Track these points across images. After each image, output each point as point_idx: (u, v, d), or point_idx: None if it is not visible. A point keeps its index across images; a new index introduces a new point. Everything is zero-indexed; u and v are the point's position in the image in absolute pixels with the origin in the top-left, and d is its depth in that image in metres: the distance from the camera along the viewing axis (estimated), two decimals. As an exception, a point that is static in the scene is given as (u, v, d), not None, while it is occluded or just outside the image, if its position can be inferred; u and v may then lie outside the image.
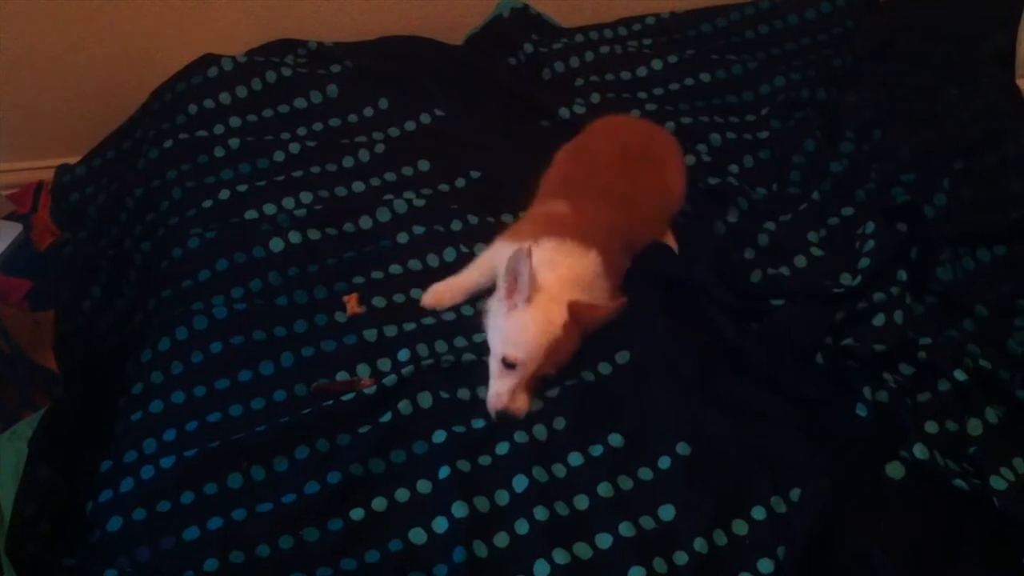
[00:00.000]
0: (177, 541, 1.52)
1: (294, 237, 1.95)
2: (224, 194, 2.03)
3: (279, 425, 1.65)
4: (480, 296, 1.85)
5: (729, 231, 1.99)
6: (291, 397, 1.72)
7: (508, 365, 1.66)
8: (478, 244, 1.97)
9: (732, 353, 1.78)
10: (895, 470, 1.61)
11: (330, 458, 1.62)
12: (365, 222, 2.00)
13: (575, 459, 1.61)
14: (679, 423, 1.65)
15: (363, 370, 1.75)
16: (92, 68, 2.52)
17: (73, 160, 2.40)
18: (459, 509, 1.53)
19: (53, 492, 1.72)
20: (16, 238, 2.00)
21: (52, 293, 2.26)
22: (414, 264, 1.94)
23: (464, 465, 1.58)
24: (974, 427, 1.68)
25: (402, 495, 1.58)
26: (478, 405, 1.68)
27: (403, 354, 1.76)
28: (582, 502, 1.57)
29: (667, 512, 1.55)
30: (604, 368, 1.74)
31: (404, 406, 1.66)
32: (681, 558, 1.51)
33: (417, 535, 1.53)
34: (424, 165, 2.16)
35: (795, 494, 1.57)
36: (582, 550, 1.51)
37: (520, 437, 1.62)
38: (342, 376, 1.74)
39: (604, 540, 1.52)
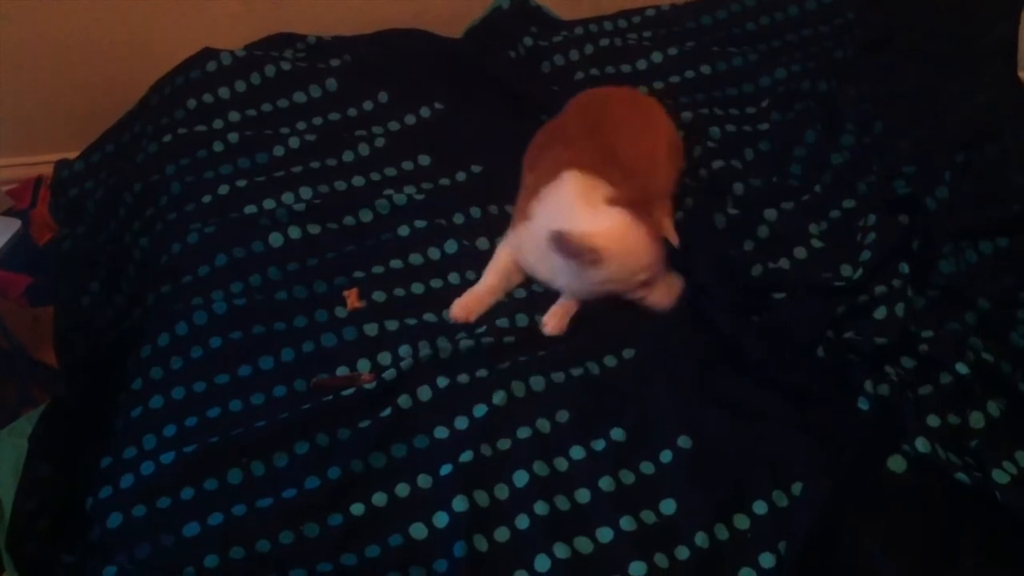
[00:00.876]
0: (177, 537, 1.52)
1: (293, 232, 1.95)
2: (223, 189, 2.03)
3: (279, 420, 1.65)
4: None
5: (729, 222, 1.98)
6: (291, 392, 1.72)
7: None
8: (480, 238, 1.98)
9: (733, 349, 1.77)
10: (897, 464, 1.61)
11: (330, 453, 1.62)
12: (365, 216, 2.00)
13: (577, 453, 1.61)
14: (681, 418, 1.65)
15: (363, 365, 1.75)
16: (91, 63, 2.51)
17: (72, 155, 2.39)
18: (459, 503, 1.53)
19: (53, 488, 1.71)
20: (15, 234, 2.00)
21: (51, 289, 2.26)
22: (415, 258, 1.94)
23: (465, 459, 1.58)
24: (976, 420, 1.68)
25: (402, 490, 1.58)
26: (479, 391, 1.68)
27: (404, 349, 1.76)
28: (583, 496, 1.57)
29: (668, 506, 1.55)
30: (609, 361, 1.75)
31: (404, 400, 1.66)
32: (683, 552, 1.51)
33: (417, 530, 1.53)
34: (424, 159, 2.15)
35: (797, 488, 1.57)
36: (583, 544, 1.51)
37: (523, 431, 1.62)
38: (342, 371, 1.74)
39: (605, 534, 1.52)
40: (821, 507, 1.53)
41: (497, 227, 1.97)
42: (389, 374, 1.70)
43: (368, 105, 2.26)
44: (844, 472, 1.58)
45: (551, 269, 1.83)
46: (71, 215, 2.26)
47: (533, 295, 1.89)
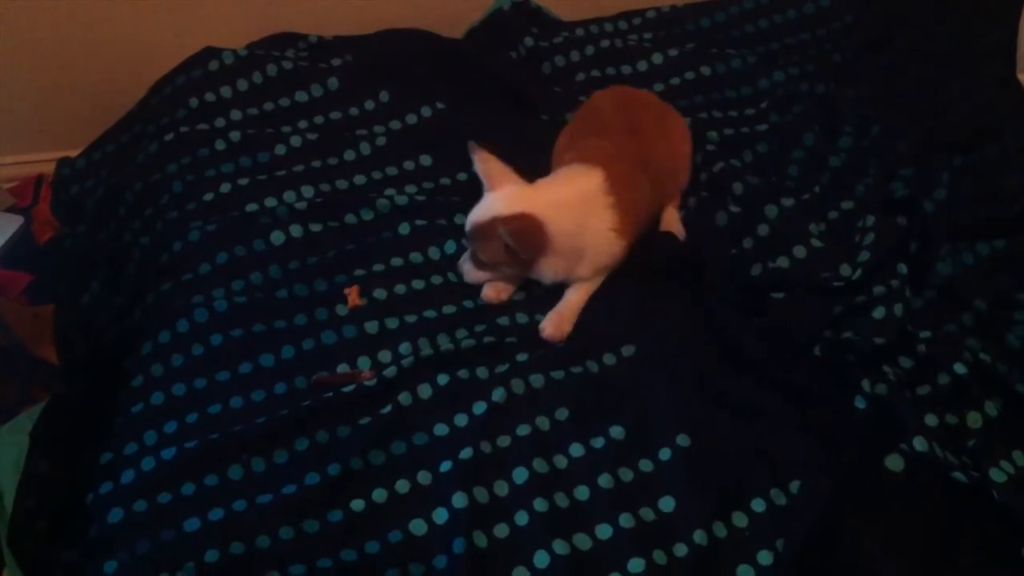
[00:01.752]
0: (178, 532, 1.52)
1: (295, 230, 1.96)
2: (225, 187, 2.03)
3: (279, 417, 1.65)
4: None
5: (730, 220, 1.99)
6: (291, 389, 1.72)
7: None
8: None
9: (734, 347, 1.78)
10: (895, 463, 1.61)
11: (330, 450, 1.62)
12: (366, 214, 2.01)
13: (576, 450, 1.62)
14: (680, 416, 1.66)
15: (364, 363, 1.76)
16: (93, 61, 2.51)
17: (73, 153, 2.40)
18: (459, 500, 1.54)
19: (54, 485, 1.72)
20: (17, 231, 2.00)
21: (51, 286, 2.26)
22: (415, 256, 1.94)
23: (465, 456, 1.58)
24: (973, 420, 1.68)
25: (402, 486, 1.59)
26: (479, 388, 1.69)
27: (404, 347, 1.76)
28: (582, 493, 1.57)
29: (667, 504, 1.56)
30: (609, 359, 1.76)
31: (404, 398, 1.67)
32: (681, 550, 1.51)
33: (417, 526, 1.54)
34: (425, 159, 2.16)
35: (795, 487, 1.58)
36: (582, 541, 1.52)
37: (522, 429, 1.63)
38: (342, 368, 1.75)
39: (604, 531, 1.53)
40: (820, 506, 1.54)
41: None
42: (390, 371, 1.70)
43: (370, 104, 2.27)
44: (843, 471, 1.59)
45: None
46: (72, 213, 2.27)
47: (533, 296, 1.90)
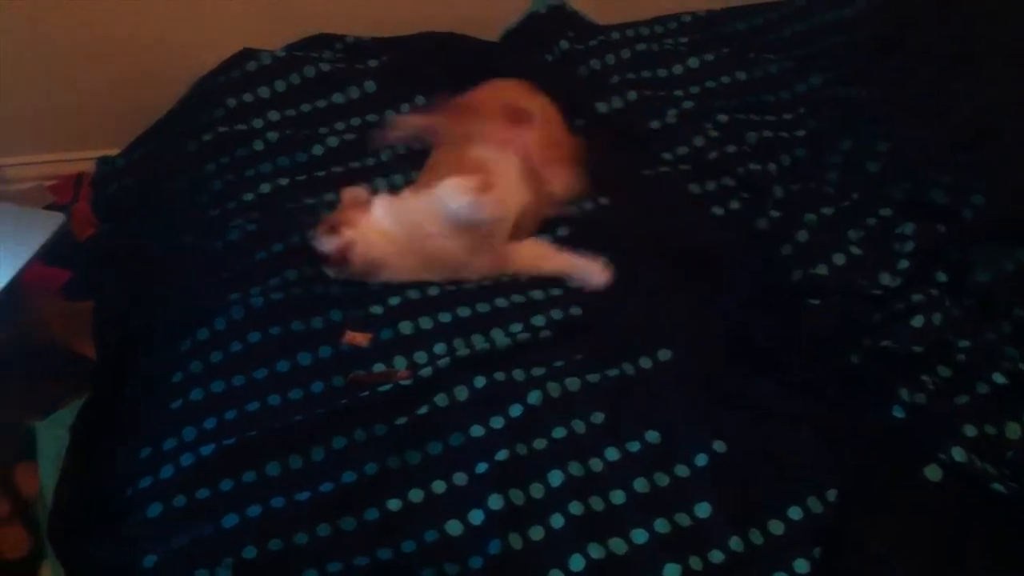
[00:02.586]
0: (216, 528, 1.53)
1: None
2: (265, 188, 2.05)
3: (316, 415, 1.66)
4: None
5: (770, 225, 1.98)
6: (328, 388, 1.72)
7: None
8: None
9: (770, 350, 1.78)
10: (933, 472, 1.60)
11: (367, 448, 1.62)
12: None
13: (611, 454, 1.61)
14: (716, 421, 1.65)
15: (399, 362, 1.76)
16: (132, 61, 2.53)
17: (113, 152, 2.42)
18: (495, 502, 1.54)
19: (93, 479, 1.73)
20: (59, 228, 2.02)
21: (90, 283, 2.28)
22: (450, 257, 1.95)
23: (500, 458, 1.58)
24: (1012, 431, 1.67)
25: (438, 487, 1.59)
26: (514, 390, 1.69)
27: (439, 347, 1.77)
28: (618, 497, 1.57)
29: (703, 510, 1.56)
30: (645, 363, 1.76)
31: (440, 398, 1.67)
32: (716, 556, 1.51)
33: (453, 526, 1.54)
34: (461, 160, 2.16)
35: (832, 495, 1.57)
36: (617, 545, 1.52)
37: (558, 431, 1.62)
38: (379, 367, 1.75)
39: (639, 536, 1.53)
40: (852, 513, 1.54)
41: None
42: (425, 371, 1.71)
43: (405, 107, 2.28)
44: (879, 475, 1.58)
45: None
46: (112, 211, 2.29)
47: (568, 291, 1.90)
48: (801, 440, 1.65)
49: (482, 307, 1.85)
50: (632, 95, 2.32)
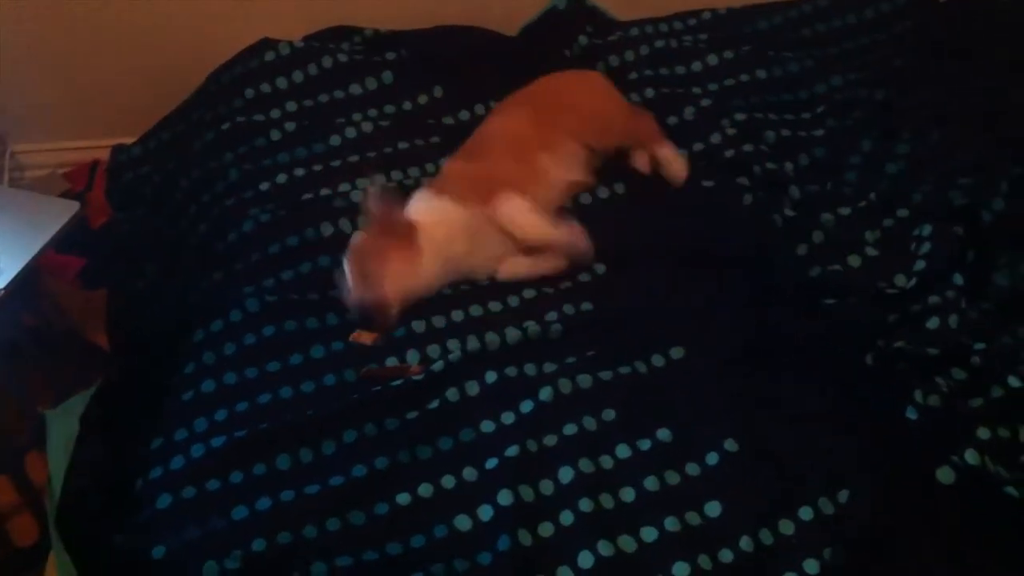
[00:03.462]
0: (226, 520, 1.54)
1: (344, 224, 1.96)
2: (281, 178, 2.05)
3: (328, 408, 1.66)
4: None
5: (785, 224, 1.97)
6: (340, 381, 1.73)
7: None
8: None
9: (787, 348, 1.77)
10: (945, 475, 1.59)
11: (378, 443, 1.63)
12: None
13: (623, 451, 1.61)
14: (728, 420, 1.64)
15: (412, 357, 1.76)
16: (150, 50, 2.54)
17: (128, 141, 2.43)
18: (504, 497, 1.54)
19: (103, 468, 1.74)
20: (74, 216, 2.02)
21: (105, 271, 2.28)
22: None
23: (511, 454, 1.58)
24: (1027, 434, 1.66)
25: (448, 482, 1.59)
26: (526, 386, 1.68)
27: (452, 343, 1.76)
28: (628, 495, 1.57)
29: (713, 508, 1.55)
30: (657, 360, 1.75)
31: (452, 394, 1.68)
32: (726, 555, 1.50)
33: (462, 522, 1.54)
34: (477, 155, 2.16)
35: (843, 496, 1.56)
36: (626, 543, 1.51)
37: (569, 428, 1.62)
38: (391, 362, 1.75)
39: (649, 534, 1.52)
40: (868, 513, 1.53)
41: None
42: (437, 366, 1.71)
43: (423, 99, 2.28)
44: (893, 475, 1.58)
45: None
46: (127, 199, 2.29)
47: (578, 284, 1.90)
48: (813, 440, 1.64)
49: (494, 305, 1.85)
50: (650, 91, 2.31)
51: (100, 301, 2.19)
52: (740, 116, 2.24)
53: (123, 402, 1.85)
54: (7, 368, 1.98)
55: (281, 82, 2.26)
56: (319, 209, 1.98)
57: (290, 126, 2.16)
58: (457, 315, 1.83)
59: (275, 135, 2.15)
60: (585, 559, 1.48)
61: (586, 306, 1.84)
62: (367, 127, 2.18)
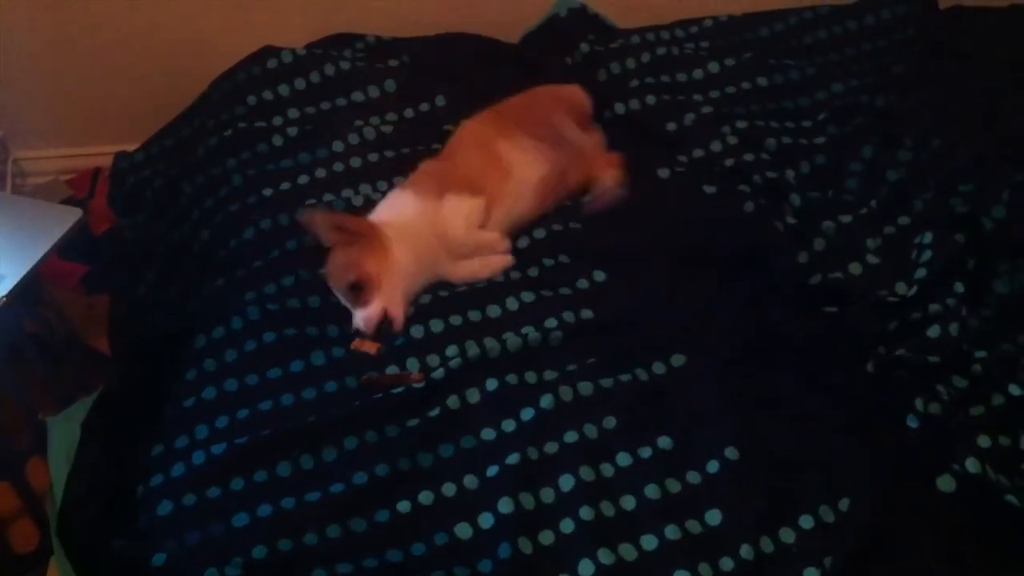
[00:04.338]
0: (226, 527, 1.54)
1: None
2: (284, 184, 2.06)
3: (329, 415, 1.66)
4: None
5: (786, 231, 1.97)
6: (341, 388, 1.73)
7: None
8: (521, 236, 2.00)
9: (785, 353, 1.77)
10: (946, 483, 1.60)
11: (379, 450, 1.63)
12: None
13: (623, 459, 1.61)
14: (729, 428, 1.64)
15: (412, 364, 1.76)
16: (152, 57, 2.55)
17: (131, 148, 2.43)
18: (505, 505, 1.54)
19: (104, 474, 1.74)
20: (76, 223, 2.03)
21: (107, 278, 2.29)
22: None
23: (512, 461, 1.58)
24: (1027, 442, 1.66)
25: (449, 489, 1.59)
26: (527, 394, 1.68)
27: (451, 350, 1.76)
28: (629, 503, 1.57)
29: (714, 517, 1.55)
30: (658, 368, 1.75)
31: (453, 401, 1.68)
32: (727, 564, 1.50)
33: (463, 529, 1.54)
34: (477, 163, 2.16)
35: (844, 504, 1.56)
36: (627, 551, 1.52)
37: (570, 436, 1.62)
38: (392, 369, 1.75)
39: (649, 542, 1.52)
40: (868, 521, 1.53)
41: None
42: (438, 374, 1.71)
43: (425, 106, 2.28)
44: (894, 484, 1.58)
45: None
46: (129, 205, 2.29)
47: (578, 291, 1.90)
48: (814, 449, 1.64)
49: (492, 310, 1.84)
50: (651, 98, 2.31)
51: (102, 307, 2.19)
52: (741, 124, 2.24)
53: (124, 409, 1.85)
54: (9, 374, 1.98)
55: (283, 89, 2.26)
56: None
57: (292, 132, 2.17)
58: (455, 319, 1.82)
59: (277, 141, 2.15)
60: (586, 567, 1.48)
61: (586, 313, 1.83)
62: (369, 134, 2.18)
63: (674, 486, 1.59)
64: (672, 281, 1.91)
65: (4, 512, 2.01)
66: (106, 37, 2.51)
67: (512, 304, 1.85)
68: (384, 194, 2.03)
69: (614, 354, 1.78)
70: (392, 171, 2.10)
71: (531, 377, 1.73)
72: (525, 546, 1.51)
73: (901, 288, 1.88)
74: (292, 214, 1.98)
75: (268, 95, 2.25)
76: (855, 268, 1.92)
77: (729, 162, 2.13)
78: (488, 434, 1.65)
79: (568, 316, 1.83)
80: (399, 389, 1.69)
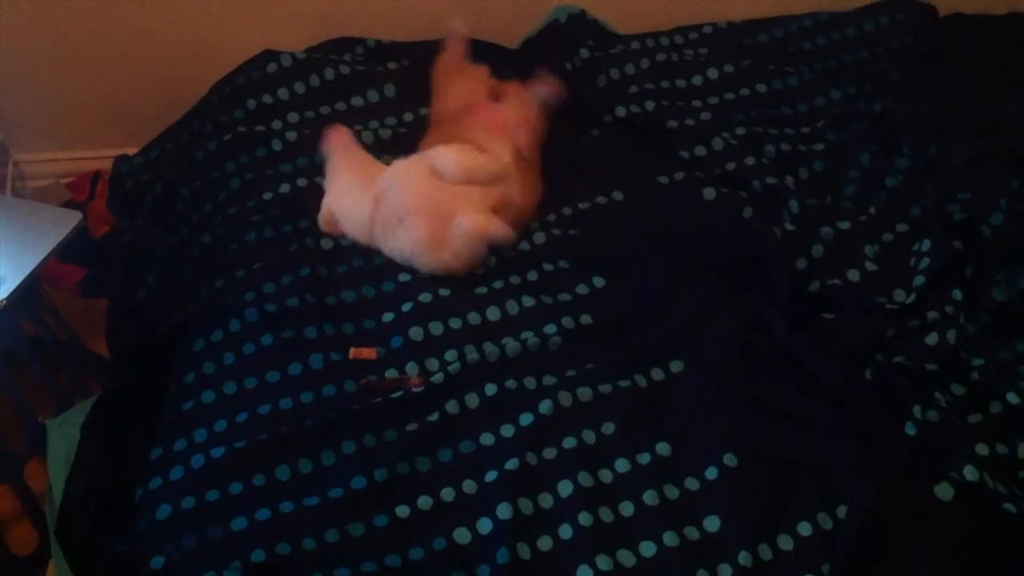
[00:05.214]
0: (225, 530, 1.54)
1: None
2: (284, 188, 2.06)
3: (327, 419, 1.66)
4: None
5: (784, 238, 1.98)
6: (340, 392, 1.73)
7: None
8: (523, 241, 2.00)
9: (783, 360, 1.77)
10: (944, 491, 1.60)
11: (377, 454, 1.63)
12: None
13: (622, 465, 1.61)
14: (727, 434, 1.64)
15: (411, 368, 1.76)
16: (152, 60, 2.55)
17: (130, 151, 2.43)
18: (504, 511, 1.54)
19: (103, 477, 1.74)
20: (76, 226, 2.03)
21: (106, 281, 2.29)
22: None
23: (510, 467, 1.58)
24: (1025, 451, 1.67)
25: (447, 494, 1.59)
26: (526, 399, 1.69)
27: (450, 354, 1.76)
28: (627, 509, 1.57)
29: (712, 523, 1.55)
30: (657, 374, 1.75)
31: (452, 406, 1.68)
32: (725, 570, 1.50)
33: (461, 534, 1.54)
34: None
35: (842, 511, 1.56)
36: (625, 557, 1.52)
37: (568, 441, 1.62)
38: (391, 373, 1.75)
39: (648, 548, 1.53)
40: (866, 527, 1.53)
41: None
42: (437, 378, 1.71)
43: (424, 111, 2.28)
44: (892, 490, 1.58)
45: None
46: (128, 209, 2.29)
47: (577, 297, 1.90)
48: (812, 456, 1.64)
49: (492, 313, 1.84)
50: (651, 104, 2.31)
51: (101, 310, 2.19)
52: (740, 130, 2.25)
53: (123, 411, 1.85)
54: (7, 377, 1.98)
55: (283, 93, 2.27)
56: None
57: (292, 136, 2.17)
58: (455, 323, 1.82)
59: (277, 145, 2.16)
60: (584, 573, 1.48)
61: (586, 319, 1.84)
62: (368, 138, 2.19)
63: (673, 492, 1.60)
64: (671, 287, 1.91)
65: (3, 514, 2.01)
66: (107, 41, 2.50)
67: (512, 309, 1.85)
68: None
69: (613, 360, 1.78)
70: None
71: (530, 382, 1.73)
72: (524, 551, 1.51)
73: (899, 295, 1.88)
74: (292, 218, 1.99)
75: (268, 99, 2.26)
76: (853, 275, 1.92)
77: (729, 166, 2.14)
78: (487, 439, 1.65)
79: (567, 322, 1.83)
80: (398, 393, 1.70)
